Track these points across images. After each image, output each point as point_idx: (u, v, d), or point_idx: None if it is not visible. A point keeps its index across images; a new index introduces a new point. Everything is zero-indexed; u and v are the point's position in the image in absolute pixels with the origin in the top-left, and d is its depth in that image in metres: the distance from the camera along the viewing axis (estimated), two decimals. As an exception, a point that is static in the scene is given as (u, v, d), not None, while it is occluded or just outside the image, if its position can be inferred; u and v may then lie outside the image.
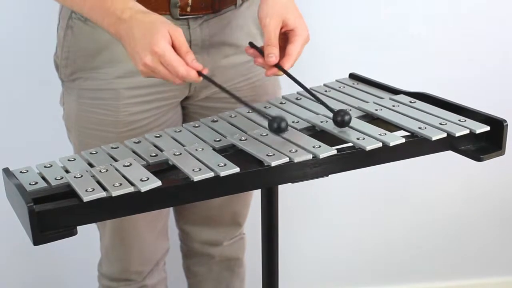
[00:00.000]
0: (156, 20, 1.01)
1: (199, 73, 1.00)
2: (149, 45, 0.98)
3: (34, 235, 0.81)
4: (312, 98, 1.09)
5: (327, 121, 1.04)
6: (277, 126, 0.95)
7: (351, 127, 1.01)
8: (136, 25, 1.00)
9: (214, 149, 0.98)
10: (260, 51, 1.09)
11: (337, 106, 1.11)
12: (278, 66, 1.06)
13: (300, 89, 1.20)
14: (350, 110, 1.07)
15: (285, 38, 1.09)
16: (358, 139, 0.97)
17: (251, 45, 1.13)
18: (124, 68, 1.20)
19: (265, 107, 1.13)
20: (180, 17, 1.18)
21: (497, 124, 1.01)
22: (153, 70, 1.00)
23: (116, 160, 0.95)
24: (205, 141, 1.01)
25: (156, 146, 1.00)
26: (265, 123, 1.06)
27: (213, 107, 1.30)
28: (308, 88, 1.08)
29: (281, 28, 1.07)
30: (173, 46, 0.99)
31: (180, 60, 0.98)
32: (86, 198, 0.83)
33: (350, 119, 1.00)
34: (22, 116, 1.73)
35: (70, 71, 1.24)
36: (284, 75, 1.07)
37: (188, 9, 1.18)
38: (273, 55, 1.05)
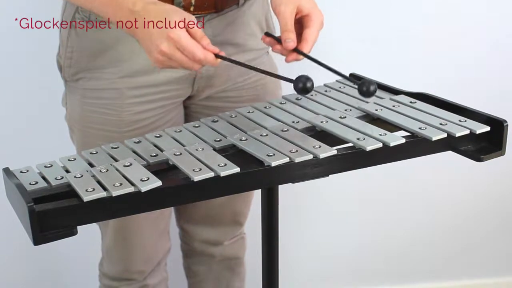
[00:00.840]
0: (169, 8, 1.02)
1: (217, 56, 1.01)
2: (164, 32, 0.99)
3: (34, 235, 0.81)
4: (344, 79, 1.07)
5: (327, 121, 1.05)
6: (302, 85, 0.95)
7: (351, 127, 1.01)
8: (150, 15, 1.01)
9: (214, 149, 0.98)
10: (277, 39, 1.10)
11: (338, 107, 1.12)
12: (296, 50, 1.06)
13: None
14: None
15: (299, 25, 1.10)
16: (358, 139, 0.97)
17: (267, 34, 1.14)
18: (127, 68, 1.20)
19: (265, 107, 1.14)
20: None
21: (497, 124, 1.02)
22: (170, 57, 1.00)
23: (116, 160, 0.95)
24: (206, 141, 1.01)
25: (156, 146, 1.00)
26: (265, 122, 1.06)
27: (215, 106, 1.30)
28: (332, 67, 1.07)
29: (295, 15, 1.08)
30: (188, 32, 1.00)
31: (196, 44, 0.99)
32: (86, 198, 0.83)
33: (375, 89, 0.99)
34: (23, 116, 1.73)
35: (74, 71, 1.25)
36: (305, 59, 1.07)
37: (192, 8, 1.18)
38: (290, 40, 1.06)
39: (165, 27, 0.99)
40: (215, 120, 1.09)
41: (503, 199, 2.05)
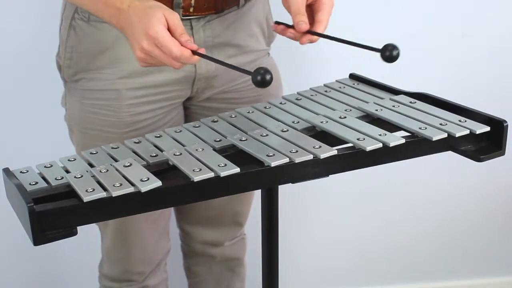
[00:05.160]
0: (152, 5, 1.02)
1: (195, 52, 0.99)
2: (144, 29, 0.99)
3: (34, 235, 0.81)
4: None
5: (327, 122, 1.05)
6: (261, 79, 0.89)
7: (351, 127, 1.01)
8: (134, 12, 1.01)
9: (214, 149, 0.98)
10: (288, 26, 1.11)
11: (337, 107, 1.12)
12: (310, 32, 1.08)
13: (300, 89, 1.21)
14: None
15: (309, 11, 1.11)
16: (358, 139, 0.97)
17: (278, 22, 1.14)
18: (127, 68, 1.20)
19: (265, 107, 1.13)
20: (183, 18, 1.18)
21: (497, 125, 1.01)
22: (149, 54, 1.00)
23: (116, 160, 0.95)
24: (205, 141, 1.01)
25: (156, 146, 1.00)
26: (265, 122, 1.06)
27: (216, 108, 1.30)
28: (343, 39, 1.08)
29: (307, 0, 1.10)
30: (169, 29, 1.00)
31: (173, 40, 0.98)
32: (86, 198, 0.83)
33: (398, 54, 1.00)
34: (23, 116, 1.73)
35: (73, 71, 1.25)
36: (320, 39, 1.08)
37: (191, 9, 1.18)
38: (303, 22, 1.07)
39: (146, 24, 0.99)
40: (215, 120, 1.09)
41: (503, 199, 2.05)
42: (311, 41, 1.09)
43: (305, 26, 1.07)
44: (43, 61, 1.51)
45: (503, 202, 2.06)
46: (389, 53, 1.00)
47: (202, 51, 1.00)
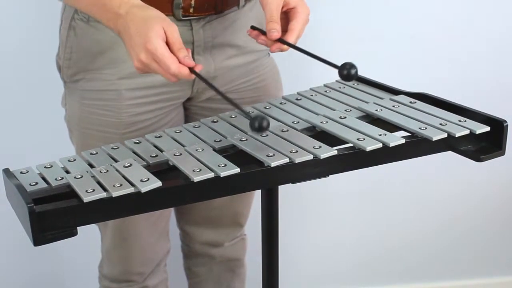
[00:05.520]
0: (151, 15, 1.01)
1: (191, 70, 0.99)
2: (143, 42, 0.98)
3: (34, 236, 0.81)
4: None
5: (327, 122, 1.05)
6: (258, 126, 0.89)
7: (351, 128, 1.01)
8: (132, 20, 1.01)
9: (214, 149, 0.98)
10: (263, 32, 1.11)
11: (337, 107, 1.12)
12: (281, 40, 1.07)
13: (300, 89, 1.21)
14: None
15: (285, 18, 1.10)
16: (358, 139, 0.97)
17: (254, 28, 1.14)
18: (126, 69, 1.20)
19: (265, 108, 1.13)
20: (183, 18, 1.18)
21: (497, 125, 1.01)
22: (147, 66, 1.00)
23: (116, 161, 0.95)
24: (205, 141, 1.01)
25: (156, 147, 1.00)
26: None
27: (216, 108, 1.30)
28: (310, 52, 1.06)
29: (282, 7, 1.09)
30: (167, 43, 0.99)
31: (172, 57, 0.98)
32: (86, 198, 0.83)
33: (356, 73, 0.97)
34: (23, 117, 1.73)
35: (73, 72, 1.24)
36: (290, 49, 1.07)
37: (191, 10, 1.18)
38: (275, 30, 1.06)
39: (144, 37, 0.98)
40: (215, 120, 1.09)
41: (503, 199, 2.05)
42: (281, 50, 1.08)
43: (276, 34, 1.06)
44: (43, 61, 1.51)
45: (503, 202, 2.06)
46: (346, 72, 0.97)
47: (199, 68, 1.00)
